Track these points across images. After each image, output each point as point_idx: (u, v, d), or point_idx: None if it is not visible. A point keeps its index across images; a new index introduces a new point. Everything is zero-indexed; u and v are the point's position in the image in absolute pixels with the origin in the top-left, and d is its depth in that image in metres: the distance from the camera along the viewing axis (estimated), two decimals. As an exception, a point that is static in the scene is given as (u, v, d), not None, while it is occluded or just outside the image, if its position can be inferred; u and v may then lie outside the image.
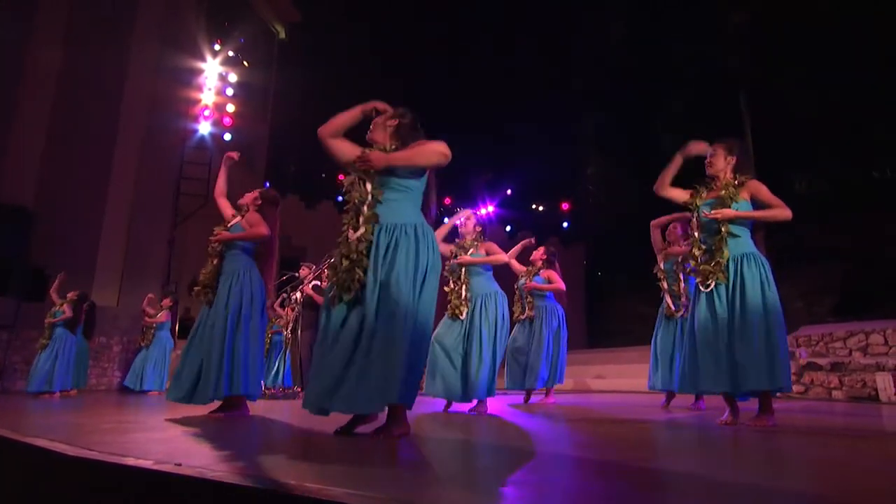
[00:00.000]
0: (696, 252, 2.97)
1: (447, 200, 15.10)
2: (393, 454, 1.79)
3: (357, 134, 2.53)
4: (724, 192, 2.90)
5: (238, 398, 3.28)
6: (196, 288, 3.43)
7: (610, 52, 13.90)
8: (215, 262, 3.45)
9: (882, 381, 5.34)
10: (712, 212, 2.88)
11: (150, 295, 8.12)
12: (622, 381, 8.10)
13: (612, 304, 13.71)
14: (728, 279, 2.80)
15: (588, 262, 15.81)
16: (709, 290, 2.82)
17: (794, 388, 5.94)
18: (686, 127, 11.87)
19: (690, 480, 1.40)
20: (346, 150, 2.41)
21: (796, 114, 10.37)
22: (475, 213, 4.30)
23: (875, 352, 5.74)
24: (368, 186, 2.32)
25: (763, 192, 2.88)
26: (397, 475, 1.45)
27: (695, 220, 3.03)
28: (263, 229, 3.45)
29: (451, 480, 1.40)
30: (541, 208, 15.76)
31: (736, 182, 2.92)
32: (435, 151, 2.30)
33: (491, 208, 14.78)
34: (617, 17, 13.82)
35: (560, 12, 14.18)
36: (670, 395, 4.46)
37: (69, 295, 6.68)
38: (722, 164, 2.99)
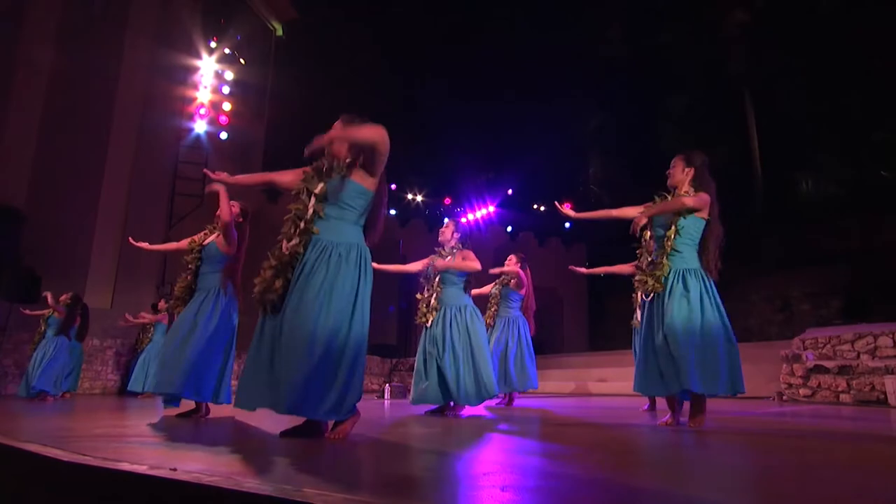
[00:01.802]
0: (643, 263, 3.16)
1: (447, 200, 14.98)
2: (384, 460, 1.82)
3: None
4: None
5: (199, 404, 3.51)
6: (171, 300, 3.63)
7: (612, 52, 13.80)
8: (189, 277, 3.61)
9: (891, 384, 5.21)
10: (639, 215, 3.08)
11: (126, 315, 7.92)
12: (625, 384, 7.96)
13: (614, 307, 13.59)
14: (666, 290, 2.95)
15: (590, 263, 15.70)
16: (649, 299, 3.00)
17: (801, 391, 5.83)
18: (689, 127, 11.78)
19: (679, 488, 1.36)
20: (294, 179, 2.48)
21: (802, 114, 10.28)
22: (458, 221, 4.34)
23: (884, 354, 5.63)
24: (312, 200, 2.33)
25: (700, 197, 3.01)
26: (389, 480, 1.44)
27: (648, 232, 3.18)
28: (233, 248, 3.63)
29: (445, 487, 1.38)
30: (542, 209, 15.62)
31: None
32: (375, 132, 2.30)
33: (492, 208, 14.66)
34: (619, 17, 13.72)
35: (562, 12, 14.07)
36: (653, 399, 4.56)
37: (62, 298, 6.57)
38: (680, 175, 3.12)
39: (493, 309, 5.34)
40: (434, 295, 3.90)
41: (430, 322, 3.84)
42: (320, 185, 2.35)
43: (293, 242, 2.29)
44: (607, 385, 8.40)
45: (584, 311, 15.55)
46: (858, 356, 5.76)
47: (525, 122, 14.78)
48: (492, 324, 5.28)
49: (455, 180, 14.66)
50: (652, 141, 12.24)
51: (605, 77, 14.12)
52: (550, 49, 14.41)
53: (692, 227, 3.01)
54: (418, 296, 4.01)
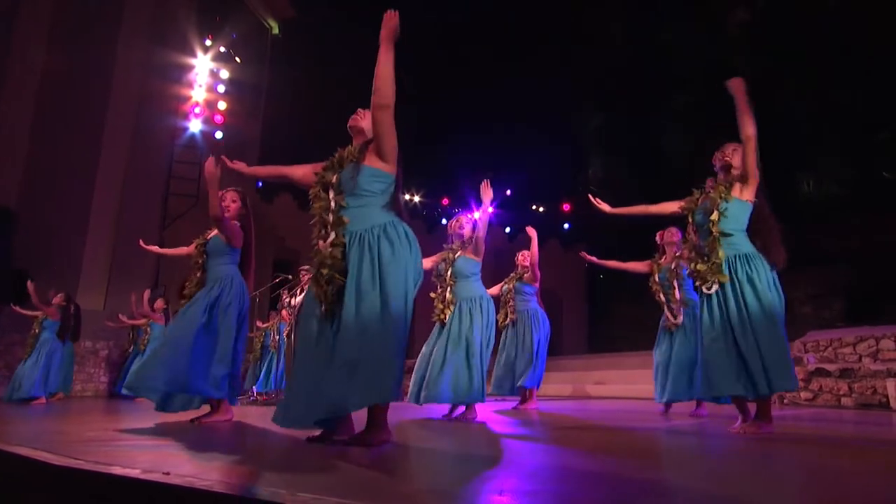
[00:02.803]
0: (693, 255, 2.99)
1: (445, 201, 14.90)
2: (381, 463, 1.79)
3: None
4: (712, 192, 2.93)
5: (218, 402, 3.31)
6: (182, 301, 3.48)
7: (612, 51, 13.74)
8: (199, 274, 3.50)
9: (893, 387, 5.16)
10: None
11: (146, 291, 7.85)
12: (624, 387, 7.90)
13: (613, 309, 13.52)
14: (728, 279, 2.78)
15: (590, 265, 15.64)
16: (711, 292, 2.79)
17: (802, 394, 5.78)
18: (690, 127, 11.73)
19: (683, 493, 1.37)
20: (307, 172, 2.44)
21: (804, 113, 10.21)
22: (468, 217, 4.27)
23: (886, 357, 5.57)
24: (331, 193, 2.29)
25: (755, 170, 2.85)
26: (387, 485, 1.44)
27: (691, 223, 3.07)
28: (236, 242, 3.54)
29: (442, 491, 1.37)
30: (541, 209, 15.53)
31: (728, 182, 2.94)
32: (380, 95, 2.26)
33: (490, 209, 14.56)
34: (619, 16, 13.66)
35: (562, 11, 14.00)
36: (668, 404, 4.44)
37: (55, 300, 6.44)
38: (738, 162, 2.95)
39: (510, 304, 5.21)
40: (448, 289, 3.79)
41: (447, 318, 3.72)
42: (335, 176, 2.31)
43: (332, 236, 2.22)
44: (606, 388, 8.34)
45: (584, 313, 15.48)
46: (860, 359, 5.71)
47: (525, 123, 14.70)
48: (514, 317, 5.13)
49: (453, 180, 14.58)
50: (652, 141, 12.20)
51: (606, 76, 14.05)
52: (550, 48, 14.35)
53: (738, 210, 2.84)
54: (432, 294, 3.90)
